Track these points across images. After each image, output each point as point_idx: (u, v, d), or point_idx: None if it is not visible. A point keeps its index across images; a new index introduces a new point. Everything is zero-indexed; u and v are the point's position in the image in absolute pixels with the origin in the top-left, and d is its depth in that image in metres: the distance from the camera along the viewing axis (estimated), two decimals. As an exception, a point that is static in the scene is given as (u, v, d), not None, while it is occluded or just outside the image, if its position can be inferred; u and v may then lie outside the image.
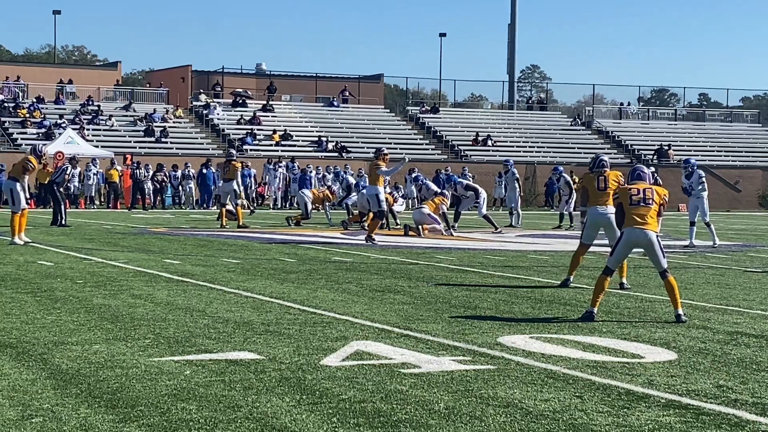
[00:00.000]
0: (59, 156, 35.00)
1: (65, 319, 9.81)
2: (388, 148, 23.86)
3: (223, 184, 26.66)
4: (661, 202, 10.55)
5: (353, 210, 28.21)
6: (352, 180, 34.28)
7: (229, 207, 26.19)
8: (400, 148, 50.60)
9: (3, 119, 47.13)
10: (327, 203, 28.86)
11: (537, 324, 10.08)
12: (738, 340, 9.29)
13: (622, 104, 64.43)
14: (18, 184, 19.42)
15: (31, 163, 19.74)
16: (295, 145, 49.50)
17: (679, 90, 77.76)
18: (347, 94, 57.77)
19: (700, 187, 21.76)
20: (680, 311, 10.34)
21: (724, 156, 56.19)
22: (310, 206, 27.91)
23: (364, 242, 20.58)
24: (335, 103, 56.49)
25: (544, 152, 53.49)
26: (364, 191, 23.53)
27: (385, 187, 21.17)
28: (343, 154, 48.61)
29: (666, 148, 54.26)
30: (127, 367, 7.52)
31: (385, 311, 10.76)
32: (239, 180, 26.23)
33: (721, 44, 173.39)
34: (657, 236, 10.44)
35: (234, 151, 29.07)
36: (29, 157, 19.91)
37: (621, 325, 10.07)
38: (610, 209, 12.46)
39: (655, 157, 53.48)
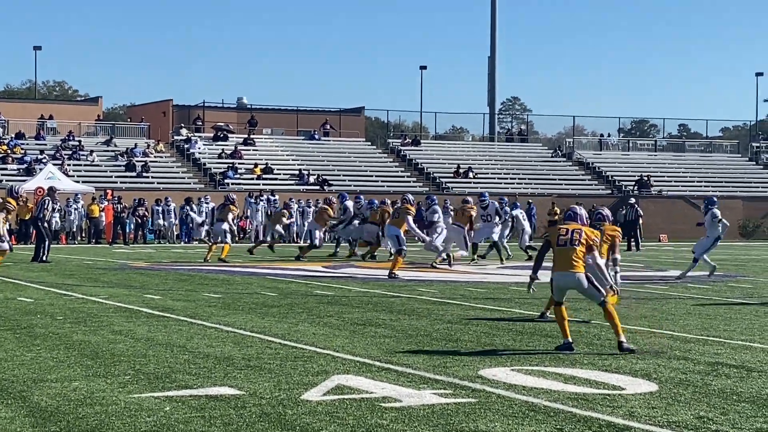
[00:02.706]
0: (39, 192, 34.88)
1: (45, 355, 9.75)
2: (369, 181, 24.28)
3: (216, 223, 27.69)
4: (591, 242, 10.57)
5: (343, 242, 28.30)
6: (350, 208, 32.19)
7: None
8: (382, 181, 50.69)
9: (-17, 155, 46.98)
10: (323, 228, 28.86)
11: (518, 356, 10.08)
12: (719, 371, 9.32)
13: (602, 135, 64.76)
14: None
15: (11, 204, 19.83)
16: (276, 179, 49.52)
17: (658, 121, 78.33)
18: (328, 127, 57.88)
19: (719, 227, 21.30)
20: (622, 338, 10.31)
21: (704, 186, 56.45)
22: (321, 236, 27.74)
23: (387, 278, 20.38)
24: (316, 137, 56.57)
25: (525, 183, 53.67)
26: (375, 231, 25.59)
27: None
28: (325, 187, 48.65)
29: (646, 178, 54.54)
30: (107, 403, 7.48)
31: (366, 345, 10.74)
32: (230, 221, 27.10)
33: (701, 75, 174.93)
34: (585, 275, 10.48)
35: (234, 197, 29.99)
36: (8, 199, 20.04)
37: (602, 357, 10.08)
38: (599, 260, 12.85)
39: (636, 188, 53.73)
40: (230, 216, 27.03)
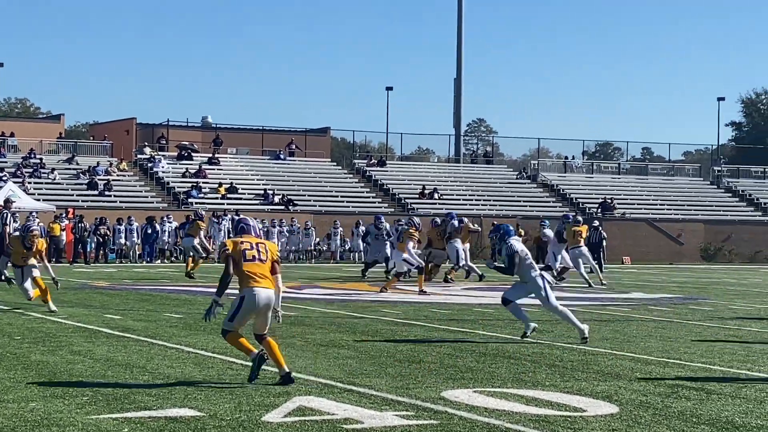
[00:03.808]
0: None
1: (1, 376, 9.63)
2: (335, 202, 24.65)
3: (185, 239, 27.95)
4: (275, 258, 9.61)
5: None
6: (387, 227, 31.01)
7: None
8: (347, 201, 50.66)
9: (-56, 172, 46.48)
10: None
11: (481, 378, 10.07)
12: (679, 393, 9.35)
13: (566, 158, 65.14)
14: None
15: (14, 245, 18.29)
16: (241, 198, 49.35)
17: (622, 144, 78.77)
18: (294, 147, 57.80)
19: None
20: (286, 370, 9.41)
21: (667, 209, 56.89)
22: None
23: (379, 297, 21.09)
24: (282, 156, 56.48)
25: (490, 205, 53.84)
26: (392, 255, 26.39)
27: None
28: (290, 207, 48.56)
29: (610, 201, 54.89)
30: (64, 425, 7.39)
31: (328, 366, 10.70)
32: (201, 237, 27.34)
33: (664, 99, 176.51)
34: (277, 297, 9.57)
35: (203, 213, 30.38)
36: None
37: (564, 378, 10.09)
38: None
39: (600, 210, 54.06)
40: (201, 232, 27.44)
